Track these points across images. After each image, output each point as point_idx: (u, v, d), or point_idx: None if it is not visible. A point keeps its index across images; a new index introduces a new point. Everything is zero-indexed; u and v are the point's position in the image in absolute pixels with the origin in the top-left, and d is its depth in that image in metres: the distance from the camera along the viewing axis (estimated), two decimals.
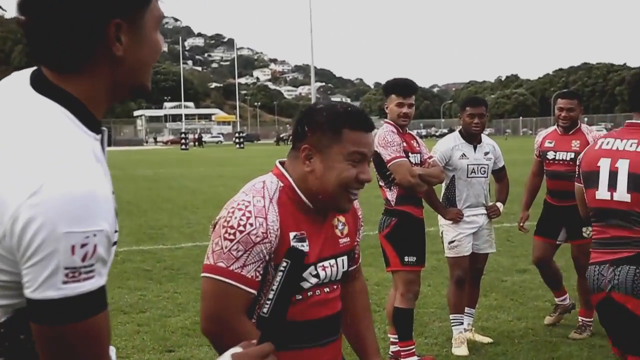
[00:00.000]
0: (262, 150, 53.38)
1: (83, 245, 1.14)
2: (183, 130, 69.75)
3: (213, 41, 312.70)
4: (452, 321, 5.09)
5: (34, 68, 1.31)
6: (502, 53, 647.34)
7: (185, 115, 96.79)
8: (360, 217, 2.21)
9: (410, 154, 4.54)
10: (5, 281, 1.20)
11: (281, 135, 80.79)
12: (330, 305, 2.06)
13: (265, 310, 1.60)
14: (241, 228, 1.87)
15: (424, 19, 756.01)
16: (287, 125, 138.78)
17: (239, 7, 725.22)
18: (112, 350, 1.39)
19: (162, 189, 18.45)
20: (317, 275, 1.99)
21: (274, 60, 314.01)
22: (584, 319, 5.33)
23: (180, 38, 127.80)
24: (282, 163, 2.05)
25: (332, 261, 2.03)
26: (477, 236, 5.09)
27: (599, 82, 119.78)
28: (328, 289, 2.04)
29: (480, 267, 5.25)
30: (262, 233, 1.87)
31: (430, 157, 4.70)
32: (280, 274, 1.61)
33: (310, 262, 1.97)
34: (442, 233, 5.14)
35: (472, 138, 5.08)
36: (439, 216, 5.13)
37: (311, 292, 1.99)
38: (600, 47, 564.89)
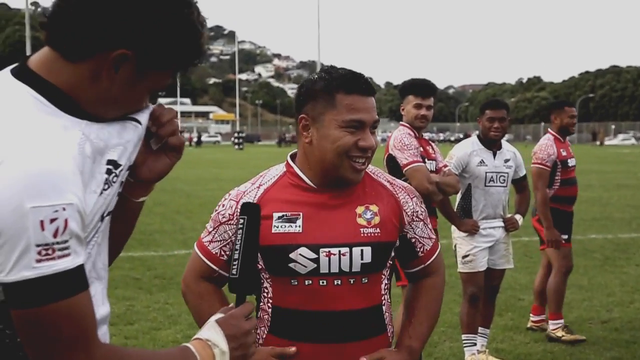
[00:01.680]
0: (263, 151, 53.47)
1: (52, 220, 1.16)
2: (180, 129, 69.90)
3: (213, 33, 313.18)
4: (464, 342, 5.07)
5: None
6: (524, 53, 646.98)
7: (181, 112, 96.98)
8: (406, 209, 2.14)
9: (426, 160, 4.53)
10: None
11: (284, 136, 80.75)
12: (343, 300, 2.00)
13: (234, 271, 1.66)
14: (217, 207, 2.12)
15: (440, 15, 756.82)
16: (290, 126, 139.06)
17: None
18: (106, 333, 1.45)
19: (154, 192, 18.04)
20: (316, 260, 1.98)
21: (278, 56, 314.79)
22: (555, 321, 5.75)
23: None
24: (293, 155, 2.16)
25: (345, 249, 2.00)
26: (493, 250, 5.08)
27: (628, 87, 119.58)
28: (340, 282, 2.00)
29: (496, 285, 5.23)
30: (229, 215, 2.06)
31: (445, 166, 4.70)
32: (240, 231, 1.68)
33: (304, 242, 1.98)
34: (455, 246, 5.13)
35: (491, 144, 5.07)
36: (453, 228, 5.12)
37: (310, 280, 1.99)
38: (631, 49, 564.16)
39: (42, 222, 1.16)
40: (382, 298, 2.09)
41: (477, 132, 5.23)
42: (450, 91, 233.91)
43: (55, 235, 1.17)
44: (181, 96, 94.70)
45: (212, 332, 1.48)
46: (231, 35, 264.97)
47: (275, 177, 2.10)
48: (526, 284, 7.62)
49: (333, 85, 1.97)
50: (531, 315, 6.12)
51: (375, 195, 2.10)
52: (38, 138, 1.21)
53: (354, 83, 1.98)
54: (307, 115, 2.01)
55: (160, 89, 1.44)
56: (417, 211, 2.17)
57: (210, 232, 2.11)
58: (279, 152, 54.62)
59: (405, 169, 4.39)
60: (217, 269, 2.10)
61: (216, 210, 2.11)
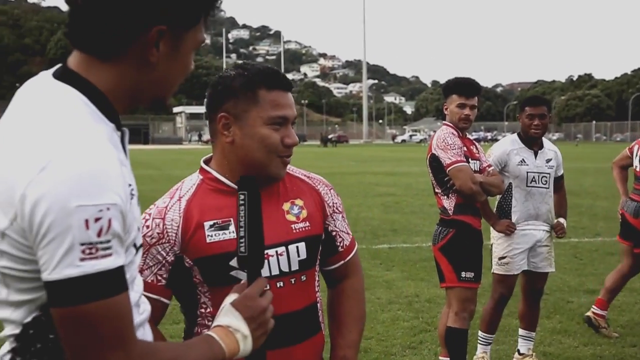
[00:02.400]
0: (308, 151, 53.56)
1: (97, 220, 1.19)
2: None
3: (259, 33, 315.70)
4: (480, 339, 5.03)
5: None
6: (575, 50, 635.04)
7: None
8: (327, 201, 2.11)
9: (470, 160, 4.49)
10: (23, 271, 1.25)
11: (329, 136, 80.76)
12: (287, 302, 1.94)
13: (242, 249, 1.62)
14: None
15: (487, 12, 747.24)
16: (336, 126, 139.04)
17: None
18: (148, 334, 1.46)
19: None
20: None
21: (324, 55, 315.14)
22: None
23: (223, 30, 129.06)
24: (207, 160, 2.07)
25: (281, 249, 1.95)
26: (535, 253, 4.99)
27: None
28: (282, 283, 1.95)
29: (540, 288, 5.15)
30: (158, 234, 1.91)
31: (489, 166, 4.65)
32: (242, 207, 1.63)
33: None
34: (491, 246, 5.05)
35: (532, 142, 4.97)
36: (491, 227, 5.07)
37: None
38: None
39: (86, 220, 1.18)
40: (317, 295, 2.08)
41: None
42: (499, 89, 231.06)
43: (99, 235, 1.20)
44: None
45: (230, 317, 1.50)
46: (277, 36, 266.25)
47: (194, 186, 2.00)
48: (575, 286, 7.50)
49: (254, 81, 1.91)
50: (594, 307, 6.04)
51: (297, 190, 2.06)
52: (85, 139, 1.24)
53: (275, 79, 1.93)
54: (227, 114, 1.92)
55: (200, 44, 1.46)
56: (336, 203, 2.14)
57: None
58: (324, 151, 54.68)
59: (449, 168, 4.36)
60: (157, 297, 1.92)
61: None
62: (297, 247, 1.98)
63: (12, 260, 1.26)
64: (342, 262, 2.16)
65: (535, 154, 4.96)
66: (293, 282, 1.98)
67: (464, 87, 4.53)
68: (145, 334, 1.46)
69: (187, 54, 1.43)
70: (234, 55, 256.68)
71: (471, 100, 4.49)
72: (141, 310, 1.46)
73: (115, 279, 1.23)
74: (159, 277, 1.92)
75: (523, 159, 4.92)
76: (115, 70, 1.35)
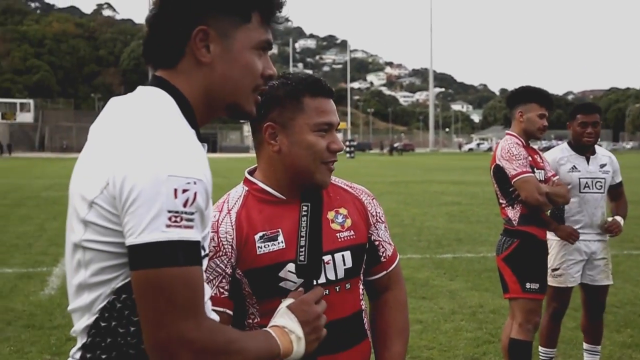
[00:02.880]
0: (374, 160, 53.52)
1: (185, 191, 1.28)
2: None
3: (325, 43, 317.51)
4: (540, 354, 4.92)
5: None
6: None
7: None
8: (371, 210, 2.11)
9: (535, 170, 4.43)
10: (105, 243, 1.34)
11: (395, 145, 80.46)
12: (333, 310, 1.91)
13: (302, 258, 1.67)
14: None
15: (558, 18, 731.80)
16: (402, 134, 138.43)
17: (354, 7, 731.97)
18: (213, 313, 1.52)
19: None
20: None
21: (390, 64, 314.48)
22: None
23: (290, 40, 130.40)
24: (252, 171, 2.09)
25: (327, 257, 1.95)
26: (592, 266, 4.83)
27: None
28: (328, 291, 1.92)
29: (601, 301, 5.00)
30: (214, 247, 1.92)
31: (554, 175, 4.56)
32: (305, 218, 1.69)
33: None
34: None
35: (584, 149, 4.88)
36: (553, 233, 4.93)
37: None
38: None
39: (175, 190, 1.27)
40: (361, 303, 2.07)
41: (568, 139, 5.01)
42: (570, 97, 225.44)
43: (185, 205, 1.28)
44: None
45: (286, 319, 1.56)
46: (343, 45, 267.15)
47: (241, 198, 2.01)
48: None
49: (298, 89, 1.94)
50: None
51: (340, 199, 2.06)
52: (177, 124, 1.38)
53: (318, 86, 1.95)
54: (274, 123, 1.94)
55: (261, 44, 1.50)
56: (379, 212, 2.14)
57: None
58: (390, 160, 54.53)
59: (514, 179, 4.30)
60: (223, 310, 1.92)
61: None
62: (343, 255, 1.98)
63: (96, 232, 1.34)
64: (385, 272, 2.14)
65: (588, 160, 4.86)
66: (338, 290, 1.98)
67: (546, 98, 4.49)
68: None
69: (243, 53, 1.47)
70: (300, 65, 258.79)
71: (548, 111, 4.47)
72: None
73: (193, 251, 1.30)
74: (221, 290, 1.94)
75: (574, 166, 4.83)
76: (183, 77, 1.45)
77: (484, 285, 7.70)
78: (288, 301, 1.62)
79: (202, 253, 1.41)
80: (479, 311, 6.69)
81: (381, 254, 2.13)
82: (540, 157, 4.58)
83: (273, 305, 1.77)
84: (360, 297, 2.08)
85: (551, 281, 4.78)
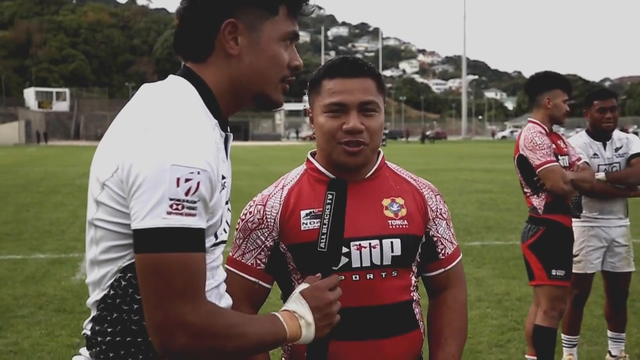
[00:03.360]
0: (406, 148, 53.26)
1: (187, 180, 1.33)
2: None
3: (357, 30, 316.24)
4: (563, 342, 4.89)
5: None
6: None
7: None
8: (431, 205, 2.08)
9: (559, 157, 4.39)
10: (114, 223, 1.40)
11: (426, 133, 79.92)
12: (377, 295, 1.94)
13: (322, 245, 1.72)
14: (242, 216, 2.03)
15: (593, 2, 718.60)
16: (435, 122, 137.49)
17: None
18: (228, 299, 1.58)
19: None
20: (347, 254, 1.92)
21: (422, 51, 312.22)
22: None
23: (322, 27, 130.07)
24: (314, 154, 2.13)
25: (375, 241, 1.94)
26: (613, 253, 4.80)
27: None
28: (372, 275, 1.94)
29: (623, 289, 4.94)
30: (258, 219, 1.98)
31: (578, 159, 4.51)
32: (329, 206, 1.74)
33: None
34: None
35: (602, 135, 4.84)
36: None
37: (342, 276, 1.87)
38: None
39: (178, 179, 1.32)
40: (412, 294, 2.03)
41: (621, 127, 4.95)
42: (607, 83, 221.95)
43: (187, 194, 1.33)
44: None
45: (297, 304, 1.59)
46: (375, 32, 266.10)
47: (297, 176, 2.06)
48: None
49: (321, 72, 1.98)
50: None
51: (399, 189, 2.05)
52: (187, 114, 1.41)
53: (338, 67, 1.96)
54: (310, 109, 2.03)
55: (288, 36, 1.55)
56: (441, 209, 2.10)
57: (240, 245, 2.02)
58: (422, 148, 54.22)
59: (539, 169, 4.27)
60: (256, 280, 2.01)
61: (242, 220, 2.02)
62: (392, 242, 1.96)
63: (106, 212, 1.41)
64: (443, 270, 2.10)
65: (605, 146, 4.85)
66: (384, 275, 1.96)
67: (568, 83, 4.49)
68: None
69: (271, 45, 1.52)
70: (332, 53, 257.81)
71: (569, 97, 4.46)
72: (224, 298, 1.58)
73: (195, 238, 1.35)
74: (258, 261, 2.00)
75: (595, 153, 4.83)
76: (211, 69, 1.51)
77: (511, 273, 7.65)
78: (302, 286, 1.65)
79: (214, 240, 1.47)
80: (505, 299, 6.65)
81: (440, 250, 2.10)
82: (564, 142, 4.53)
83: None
84: (412, 288, 2.04)
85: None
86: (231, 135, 1.58)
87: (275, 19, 1.51)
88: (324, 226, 1.72)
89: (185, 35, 1.51)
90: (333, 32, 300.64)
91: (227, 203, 1.55)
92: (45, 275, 7.52)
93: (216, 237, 1.49)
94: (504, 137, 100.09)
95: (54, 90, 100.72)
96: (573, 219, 4.51)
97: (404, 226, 1.99)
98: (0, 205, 13.93)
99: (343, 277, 1.90)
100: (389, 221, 1.98)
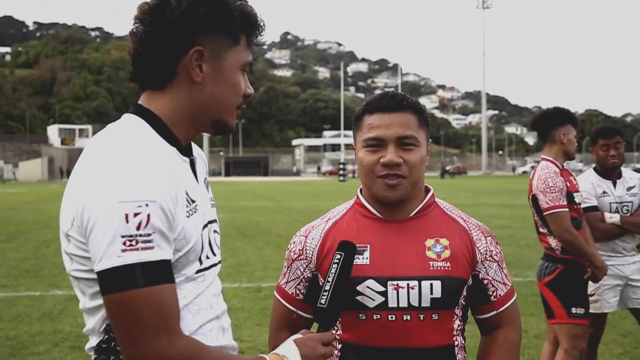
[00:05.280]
0: (426, 183, 52.85)
1: (136, 215, 1.32)
2: (342, 161, 71.11)
3: (377, 66, 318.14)
4: None
5: None
6: None
7: (345, 144, 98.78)
8: (480, 247, 2.02)
9: (573, 194, 4.36)
10: (87, 271, 1.39)
11: (446, 168, 79.70)
12: (413, 337, 1.91)
13: (322, 301, 1.72)
14: (288, 245, 2.10)
15: (615, 37, 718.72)
16: (455, 157, 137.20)
17: (405, 31, 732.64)
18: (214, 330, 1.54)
19: None
20: (384, 294, 1.91)
21: (442, 87, 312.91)
22: None
23: (342, 63, 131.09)
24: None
25: (413, 282, 1.91)
26: (635, 289, 4.69)
27: None
28: (409, 317, 1.91)
29: None
30: (299, 250, 2.04)
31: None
32: (335, 265, 1.74)
33: (372, 275, 1.92)
34: None
35: (609, 173, 4.79)
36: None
37: (378, 315, 1.90)
38: None
39: (127, 215, 1.31)
40: (454, 338, 1.98)
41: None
42: (629, 119, 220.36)
43: (138, 228, 1.32)
44: (345, 129, 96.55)
45: (288, 349, 1.57)
46: (395, 68, 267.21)
47: (344, 210, 2.08)
48: None
49: (362, 109, 2.01)
50: None
51: (446, 230, 2.00)
52: (133, 149, 1.40)
53: (377, 102, 1.99)
54: (353, 145, 2.06)
55: (245, 65, 1.57)
56: (492, 251, 2.04)
57: (285, 274, 2.08)
58: (442, 183, 53.95)
59: (546, 213, 4.28)
60: (294, 309, 2.05)
61: (288, 249, 2.08)
62: (432, 284, 1.92)
63: (78, 262, 1.40)
64: (495, 312, 2.06)
65: (614, 184, 4.78)
66: (422, 318, 1.92)
67: (576, 119, 4.52)
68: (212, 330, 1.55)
69: (232, 73, 1.54)
70: (352, 89, 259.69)
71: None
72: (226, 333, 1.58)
73: (158, 270, 1.33)
74: (298, 291, 2.05)
75: (604, 191, 4.76)
76: (170, 97, 1.51)
77: (529, 310, 7.53)
78: (296, 336, 1.64)
79: (199, 266, 1.47)
80: (522, 336, 6.47)
81: (491, 293, 2.05)
82: (575, 179, 4.51)
83: (351, 319, 1.90)
84: (454, 333, 1.99)
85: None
86: (199, 158, 1.59)
87: (237, 48, 1.54)
88: (327, 284, 1.73)
89: (147, 61, 1.49)
90: (353, 68, 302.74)
91: (209, 224, 1.54)
92: (62, 312, 7.54)
93: (200, 262, 1.49)
94: (524, 172, 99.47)
95: (77, 127, 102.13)
96: None
97: (446, 268, 1.94)
98: (22, 242, 14.04)
99: (379, 316, 1.90)
100: (431, 262, 1.94)
